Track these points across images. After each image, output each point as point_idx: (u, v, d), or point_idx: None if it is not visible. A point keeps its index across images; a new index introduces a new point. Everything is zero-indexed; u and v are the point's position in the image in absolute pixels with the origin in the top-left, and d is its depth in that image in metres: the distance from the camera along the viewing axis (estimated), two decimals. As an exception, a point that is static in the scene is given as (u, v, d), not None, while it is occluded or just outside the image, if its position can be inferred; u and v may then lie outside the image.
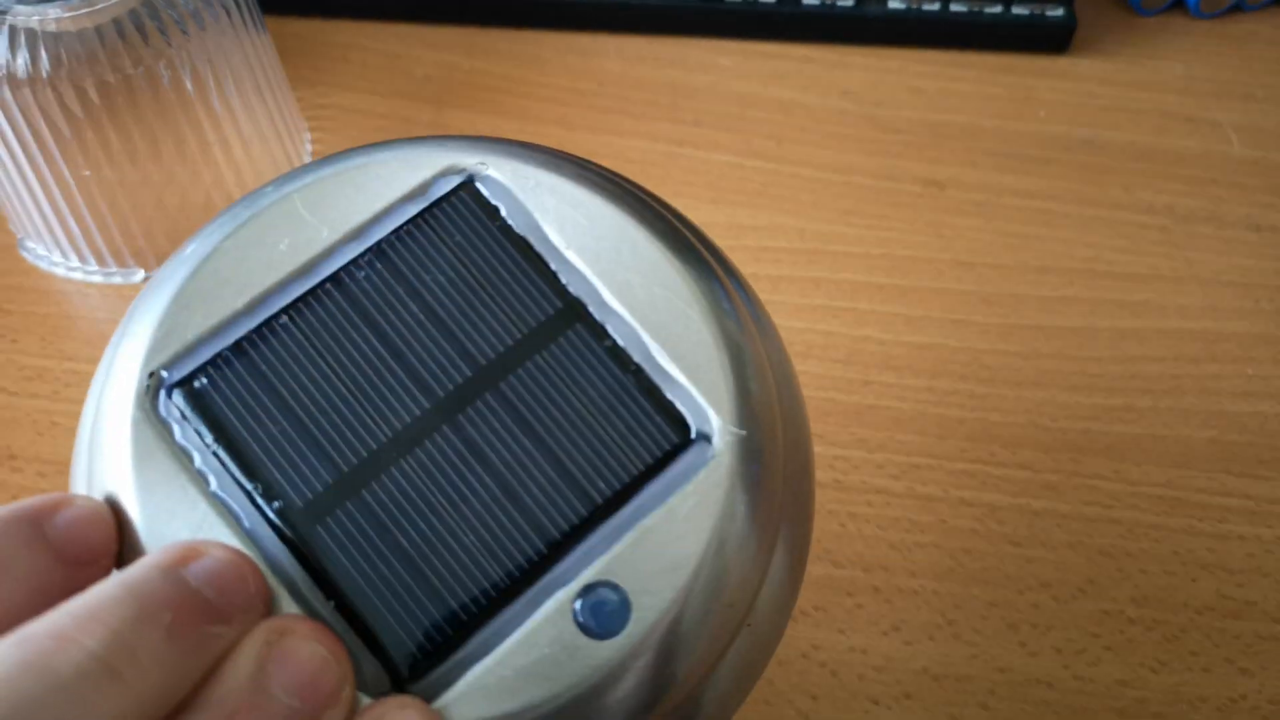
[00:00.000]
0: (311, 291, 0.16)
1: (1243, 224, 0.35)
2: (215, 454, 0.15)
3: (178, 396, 0.16)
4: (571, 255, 0.17)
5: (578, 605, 0.15)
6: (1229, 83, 0.39)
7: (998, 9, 0.38)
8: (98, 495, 0.15)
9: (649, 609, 0.15)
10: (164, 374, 0.16)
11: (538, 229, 0.17)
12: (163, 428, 0.15)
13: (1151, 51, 0.40)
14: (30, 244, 0.32)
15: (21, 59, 0.27)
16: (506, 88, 0.37)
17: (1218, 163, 0.36)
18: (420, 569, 0.15)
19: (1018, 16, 0.38)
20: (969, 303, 0.32)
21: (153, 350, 0.16)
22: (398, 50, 0.38)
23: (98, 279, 0.31)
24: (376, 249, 0.17)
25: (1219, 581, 0.27)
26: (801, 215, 0.34)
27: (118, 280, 0.31)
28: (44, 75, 0.27)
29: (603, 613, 0.15)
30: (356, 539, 0.15)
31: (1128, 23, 0.41)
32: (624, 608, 0.15)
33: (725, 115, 0.37)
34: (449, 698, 0.14)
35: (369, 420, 0.16)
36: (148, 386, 0.16)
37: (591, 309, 0.17)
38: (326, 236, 0.17)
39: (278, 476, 0.15)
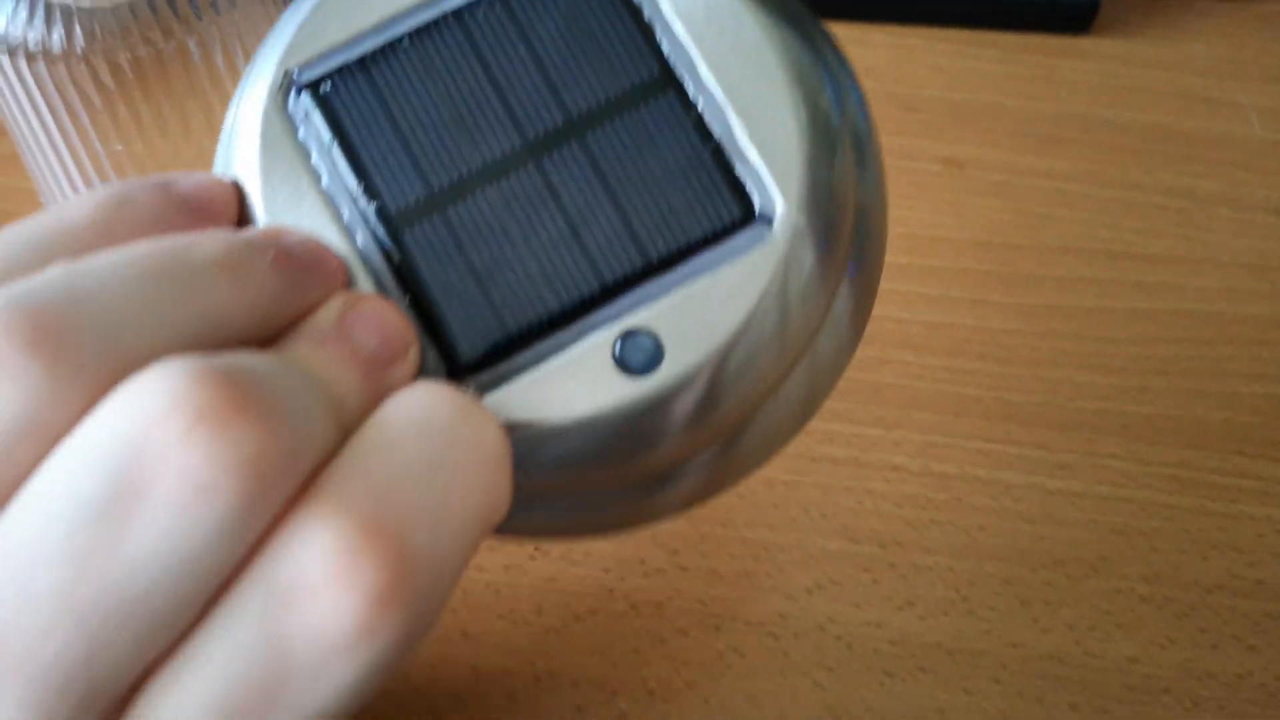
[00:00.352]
0: (435, 21, 0.18)
1: (1262, 207, 0.35)
2: (329, 153, 0.17)
3: (306, 97, 0.17)
4: (678, 26, 0.18)
5: (618, 344, 0.17)
6: (1251, 64, 0.39)
7: (1021, -12, 0.38)
8: (235, 175, 0.17)
9: (679, 362, 0.17)
10: (296, 74, 0.17)
11: (656, 3, 0.18)
12: (289, 122, 0.17)
13: (1174, 32, 0.40)
14: (62, 216, 0.32)
15: (57, 34, 0.27)
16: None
17: (1238, 144, 0.37)
18: (486, 285, 0.17)
19: (1041, -5, 0.38)
20: (988, 282, 0.32)
21: (289, 51, 0.17)
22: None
23: (129, 251, 0.32)
24: None
25: (1229, 561, 0.27)
26: None
27: (148, 253, 0.32)
28: (78, 50, 0.27)
29: (638, 354, 0.17)
30: (436, 249, 0.17)
31: (1151, 2, 0.41)
32: (658, 354, 0.17)
33: (747, 93, 0.37)
34: (492, 397, 0.16)
35: (464, 148, 0.17)
36: (281, 83, 0.17)
37: (686, 80, 0.18)
38: None
39: (379, 183, 0.17)
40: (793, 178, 0.17)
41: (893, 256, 0.33)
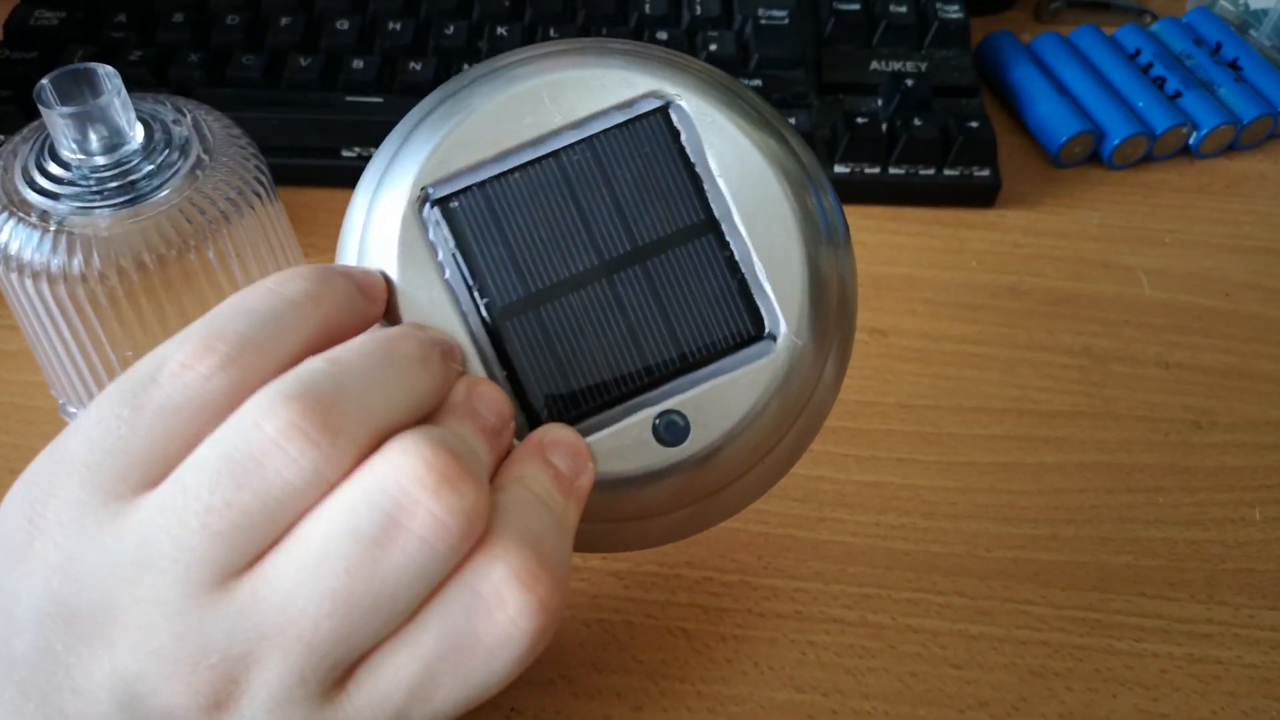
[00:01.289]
0: (538, 159, 0.23)
1: (1153, 361, 0.39)
2: (453, 255, 0.23)
3: (437, 209, 0.23)
4: (721, 183, 0.23)
5: (657, 420, 0.23)
6: (1140, 228, 0.44)
7: (931, 171, 0.43)
8: (370, 260, 0.23)
9: (701, 438, 0.23)
10: (430, 190, 0.23)
11: (703, 157, 0.23)
12: (422, 227, 0.23)
13: (1070, 201, 0.45)
14: (72, 409, 0.35)
15: (77, 261, 0.30)
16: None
17: (1130, 304, 0.41)
18: (565, 368, 0.23)
19: (949, 176, 0.43)
20: (911, 442, 0.36)
21: (424, 172, 0.23)
22: (398, 218, 0.43)
23: (132, 441, 0.35)
24: (589, 140, 0.23)
25: (1136, 697, 0.30)
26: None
27: (151, 442, 0.35)
28: (95, 272, 0.31)
29: (672, 431, 0.23)
30: (529, 338, 0.23)
31: (1049, 175, 0.46)
32: (685, 431, 0.23)
33: (692, 271, 0.41)
34: None
35: (555, 261, 0.23)
36: (418, 197, 0.23)
37: (723, 226, 0.23)
38: (558, 121, 0.23)
39: (489, 282, 0.23)
40: (794, 309, 0.23)
41: (826, 421, 0.37)
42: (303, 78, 0.42)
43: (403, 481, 0.19)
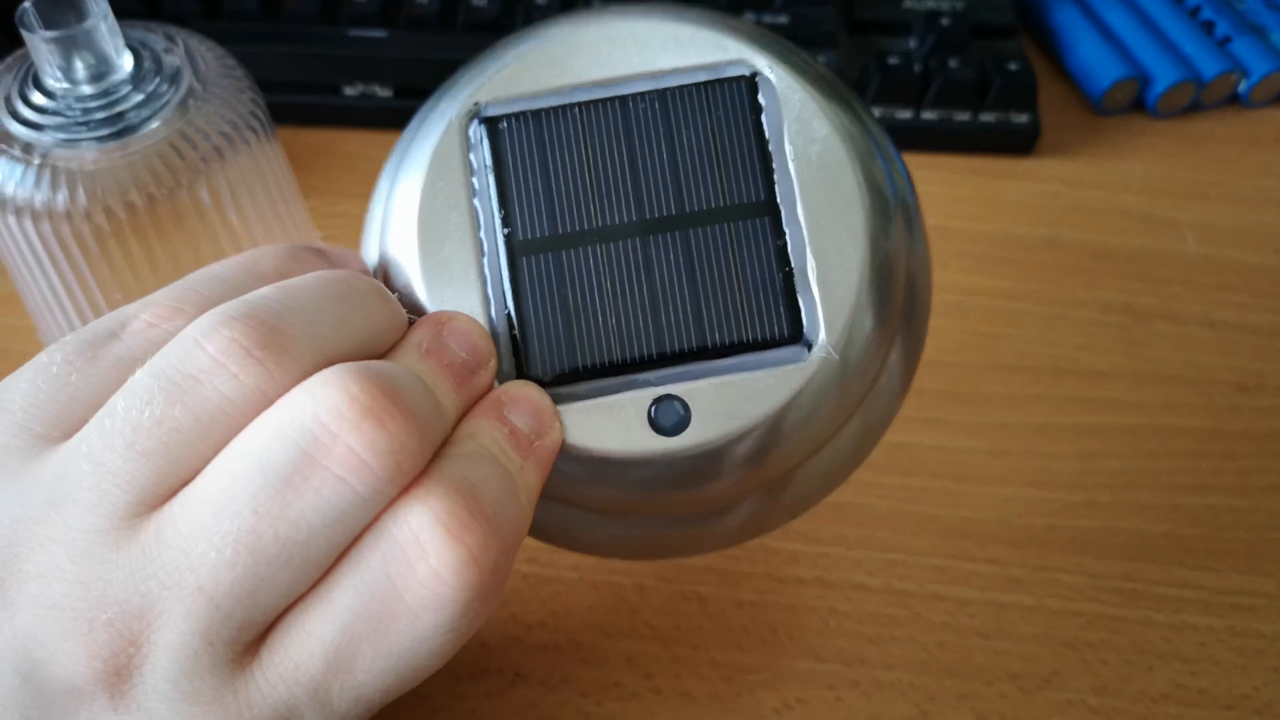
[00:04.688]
0: (605, 100, 0.22)
1: (1197, 320, 0.37)
2: (485, 176, 0.21)
3: (483, 126, 0.21)
4: (792, 167, 0.21)
5: (655, 403, 0.20)
6: (1185, 181, 0.42)
7: (966, 116, 0.41)
8: (404, 170, 0.22)
9: (700, 434, 0.20)
10: (481, 107, 0.22)
11: (780, 136, 0.21)
12: (465, 140, 0.21)
13: (1112, 151, 0.43)
14: (61, 355, 0.34)
15: (61, 196, 0.29)
16: (506, 195, 0.40)
17: (1174, 260, 0.39)
18: (570, 321, 0.21)
19: (985, 122, 0.41)
20: (941, 401, 0.34)
21: (482, 88, 0.22)
22: (404, 159, 0.41)
23: (125, 388, 0.33)
24: (662, 93, 0.22)
25: (1174, 671, 0.29)
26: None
27: (143, 389, 0.33)
28: (81, 208, 0.29)
29: (669, 417, 0.20)
30: (543, 279, 0.21)
31: (1090, 123, 0.44)
32: (684, 422, 0.20)
33: (712, 219, 0.39)
34: None
35: (592, 208, 0.21)
36: (469, 110, 0.21)
37: (783, 213, 0.21)
38: (636, 64, 0.22)
39: (516, 212, 0.21)
40: (839, 321, 0.21)
41: (851, 378, 0.35)
42: (303, 10, 0.40)
43: (321, 414, 0.17)
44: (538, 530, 0.23)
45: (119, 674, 0.17)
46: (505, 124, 0.21)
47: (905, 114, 0.41)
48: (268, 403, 0.17)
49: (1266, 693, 0.28)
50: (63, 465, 0.18)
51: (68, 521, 0.17)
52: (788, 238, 0.21)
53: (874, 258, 0.21)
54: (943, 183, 0.41)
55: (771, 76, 0.22)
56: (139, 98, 0.29)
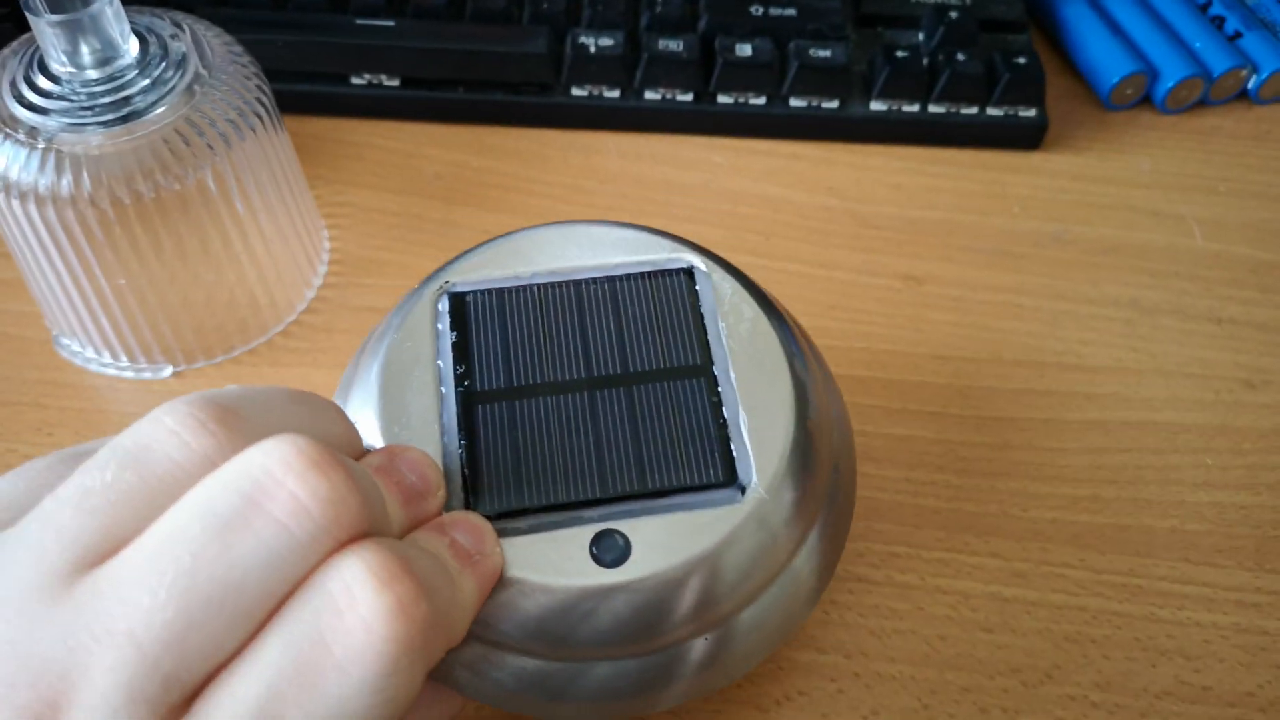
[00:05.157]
0: (560, 282, 0.25)
1: (1204, 316, 0.37)
2: (449, 339, 0.24)
3: (449, 299, 0.25)
4: (726, 340, 0.25)
5: (597, 538, 0.22)
6: (1193, 176, 0.42)
7: (973, 110, 0.41)
8: (380, 335, 0.25)
9: (641, 567, 0.21)
10: (450, 285, 0.25)
11: (714, 315, 0.25)
12: (434, 312, 0.25)
13: (1120, 146, 0.43)
14: (65, 341, 0.34)
15: (65, 181, 0.29)
16: (513, 185, 0.40)
17: (1181, 256, 0.39)
18: (520, 463, 0.23)
19: (992, 117, 0.41)
20: (945, 395, 0.34)
21: (454, 271, 0.26)
22: (410, 149, 0.41)
23: (129, 375, 0.33)
24: (611, 280, 0.26)
25: (1177, 667, 0.29)
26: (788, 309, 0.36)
27: (147, 376, 0.33)
28: (86, 194, 0.29)
29: (610, 551, 0.22)
30: (496, 424, 0.23)
31: (1098, 118, 0.43)
32: (625, 555, 0.22)
33: (717, 211, 0.39)
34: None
35: (545, 366, 0.24)
36: (440, 287, 0.25)
37: (718, 374, 0.24)
38: (589, 260, 0.26)
39: (476, 368, 0.24)
40: (770, 467, 0.23)
41: (853, 370, 0.35)
42: (312, -1, 0.40)
43: (269, 464, 0.17)
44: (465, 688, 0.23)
45: None
46: (470, 297, 0.25)
47: (912, 107, 0.41)
48: (211, 469, 0.18)
49: (1271, 690, 0.28)
50: (17, 529, 0.18)
51: (6, 582, 0.17)
52: (722, 396, 0.24)
53: (800, 421, 0.23)
54: (950, 176, 0.41)
55: (707, 270, 0.26)
56: (145, 83, 0.29)
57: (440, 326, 0.24)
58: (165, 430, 0.18)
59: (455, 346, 0.24)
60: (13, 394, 0.33)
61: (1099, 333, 0.36)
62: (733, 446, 0.23)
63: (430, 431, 0.23)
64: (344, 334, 0.35)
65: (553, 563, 0.21)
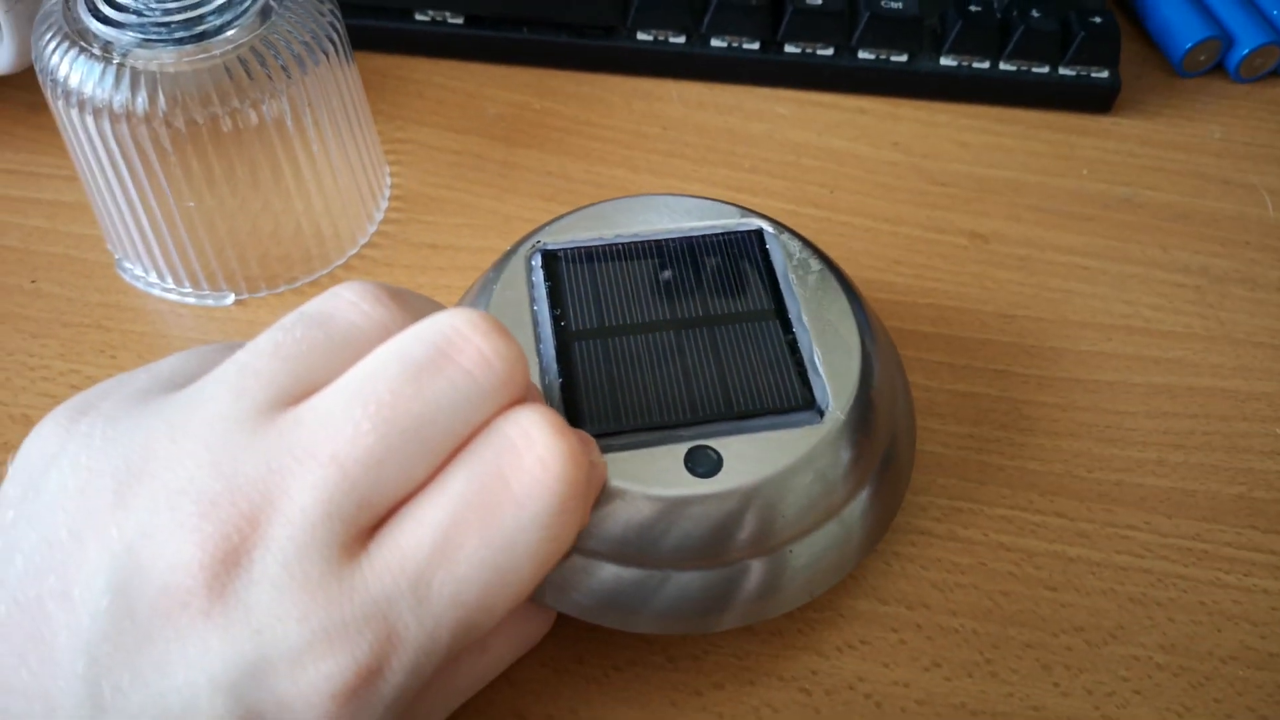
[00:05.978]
0: (643, 242, 0.28)
1: (1275, 287, 0.36)
2: (544, 288, 0.27)
3: (541, 257, 0.27)
4: (796, 289, 0.27)
5: (691, 452, 0.24)
6: (1266, 146, 0.41)
7: (1045, 69, 0.40)
8: (481, 287, 0.28)
9: (729, 478, 0.23)
10: (543, 244, 0.28)
11: (784, 269, 0.28)
12: (529, 267, 0.27)
13: (1191, 113, 0.42)
14: (128, 264, 0.34)
15: (141, 98, 0.29)
16: (574, 129, 0.39)
17: (1253, 225, 0.38)
18: (615, 391, 0.25)
19: (1064, 77, 0.40)
20: (1010, 353, 0.34)
21: (545, 232, 0.28)
22: (472, 89, 0.40)
23: (191, 301, 0.33)
24: (689, 239, 0.28)
25: (1243, 633, 0.28)
26: (851, 263, 0.36)
27: (210, 303, 0.33)
28: (160, 113, 0.29)
29: (704, 463, 0.24)
30: (592, 358, 0.25)
31: (1169, 84, 0.43)
32: (718, 466, 0.24)
33: (780, 163, 0.39)
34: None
35: (633, 309, 0.26)
36: (533, 246, 0.28)
37: (791, 318, 0.27)
38: (668, 223, 0.28)
39: (570, 311, 0.26)
40: (844, 394, 0.25)
41: (918, 325, 0.34)
42: (377, -67, 0.40)
43: (456, 323, 0.19)
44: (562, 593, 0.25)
45: (227, 561, 0.17)
46: (562, 254, 0.27)
47: (983, 64, 0.40)
48: (391, 332, 0.20)
49: (1335, 660, 0.28)
50: (211, 377, 0.19)
51: (205, 416, 0.18)
52: (796, 335, 0.26)
53: (865, 358, 0.26)
54: (1017, 136, 0.40)
55: (775, 232, 0.28)
56: (219, 2, 0.29)
57: (535, 279, 0.27)
58: (346, 301, 0.20)
59: (550, 293, 0.26)
60: (76, 315, 0.33)
61: (1167, 298, 0.36)
62: (810, 375, 0.25)
63: (531, 367, 0.24)
64: (404, 269, 0.35)
65: (652, 474, 0.23)
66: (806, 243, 0.28)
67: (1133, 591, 0.29)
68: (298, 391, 0.19)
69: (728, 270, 0.27)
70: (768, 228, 0.28)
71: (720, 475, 0.23)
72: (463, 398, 0.19)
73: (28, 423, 0.31)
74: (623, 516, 0.23)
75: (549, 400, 0.24)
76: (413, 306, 0.21)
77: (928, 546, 0.29)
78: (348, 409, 0.18)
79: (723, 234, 0.28)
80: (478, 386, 0.19)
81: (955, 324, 0.34)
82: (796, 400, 0.25)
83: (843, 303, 0.27)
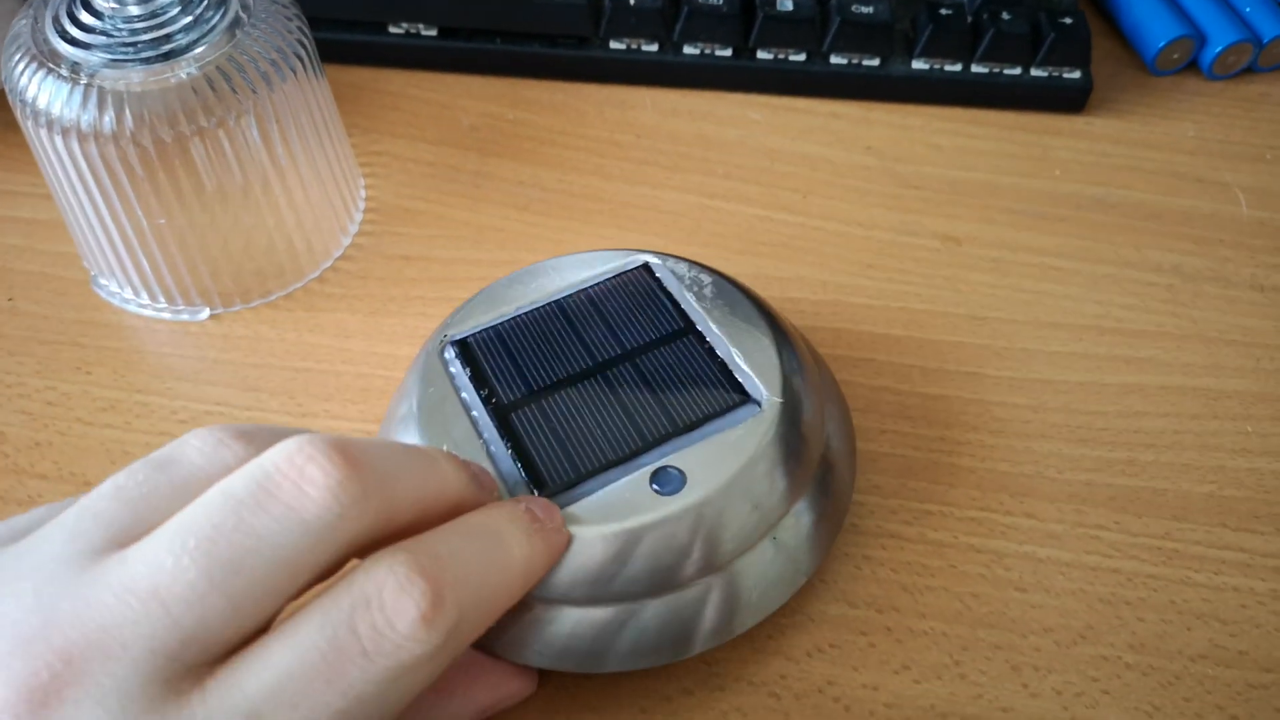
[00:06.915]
0: (545, 306, 0.29)
1: (1247, 284, 0.36)
2: (466, 374, 0.27)
3: (454, 348, 0.28)
4: (695, 303, 0.29)
5: (654, 473, 0.25)
6: (1239, 144, 0.41)
7: (1017, 70, 0.40)
8: (404, 391, 0.28)
9: (696, 489, 0.24)
10: (451, 336, 0.28)
11: (680, 290, 0.29)
12: (442, 362, 0.28)
13: (1164, 111, 0.42)
14: (103, 281, 0.34)
15: (108, 118, 0.29)
16: (548, 138, 0.39)
17: (1225, 223, 0.38)
18: (564, 443, 0.26)
19: (1036, 78, 0.40)
20: (982, 355, 0.34)
21: (449, 326, 0.28)
22: (446, 100, 0.40)
23: (166, 316, 0.34)
24: (587, 290, 0.29)
25: (1213, 631, 0.28)
26: (825, 268, 0.36)
27: (185, 317, 0.34)
28: (127, 131, 0.29)
29: (669, 482, 0.25)
30: (534, 423, 0.26)
31: (1142, 82, 0.43)
32: (681, 481, 0.25)
33: (754, 168, 0.39)
34: (567, 510, 0.24)
35: (554, 368, 0.27)
36: (441, 342, 0.28)
37: (700, 329, 0.28)
38: (561, 281, 0.29)
39: (496, 387, 0.27)
40: (772, 380, 0.27)
41: (891, 329, 0.35)
42: (350, -53, 0.40)
43: (286, 454, 0.19)
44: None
45: (35, 700, 0.17)
46: (471, 340, 0.28)
47: (954, 67, 0.40)
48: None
49: (1306, 657, 0.28)
50: (53, 521, 0.19)
51: (38, 558, 0.19)
52: (712, 343, 0.28)
53: (779, 344, 0.27)
54: (991, 138, 0.40)
55: (660, 261, 0.30)
56: (186, 20, 0.29)
57: (453, 370, 0.27)
58: (191, 446, 0.20)
59: (473, 378, 0.27)
60: (52, 333, 0.33)
61: (1139, 298, 0.36)
62: (736, 376, 0.27)
63: (476, 447, 0.25)
64: (378, 281, 0.35)
65: (625, 509, 0.24)
66: (692, 263, 0.30)
67: (1102, 591, 0.29)
68: (136, 533, 0.19)
69: (630, 306, 0.28)
70: (652, 259, 0.30)
71: (688, 488, 0.24)
72: (288, 534, 0.19)
73: (4, 440, 0.31)
74: (600, 556, 0.24)
75: (503, 471, 0.25)
76: (263, 443, 0.20)
77: (898, 550, 0.30)
78: (169, 545, 0.18)
79: (614, 276, 0.29)
80: (301, 523, 0.19)
81: (927, 327, 0.35)
82: (733, 399, 0.26)
83: (744, 304, 0.28)
